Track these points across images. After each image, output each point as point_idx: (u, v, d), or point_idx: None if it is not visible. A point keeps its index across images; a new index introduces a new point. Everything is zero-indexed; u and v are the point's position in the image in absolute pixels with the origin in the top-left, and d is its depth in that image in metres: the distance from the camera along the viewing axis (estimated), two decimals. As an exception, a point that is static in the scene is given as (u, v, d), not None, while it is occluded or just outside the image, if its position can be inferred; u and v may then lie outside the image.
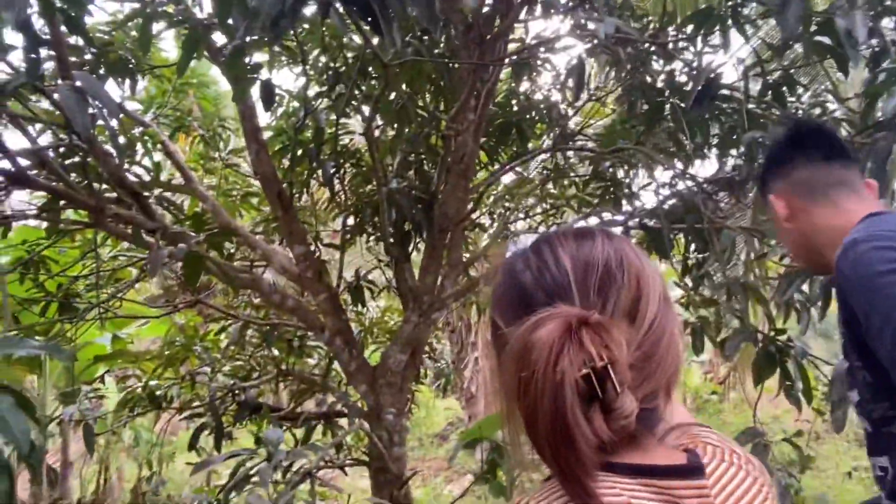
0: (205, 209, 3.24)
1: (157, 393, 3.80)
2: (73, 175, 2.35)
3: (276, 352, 3.86)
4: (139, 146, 3.34)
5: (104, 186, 2.52)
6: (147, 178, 3.01)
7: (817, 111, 3.10)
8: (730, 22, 2.78)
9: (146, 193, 2.61)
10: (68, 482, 5.95)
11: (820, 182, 1.41)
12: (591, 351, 0.60)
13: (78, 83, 1.33)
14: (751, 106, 2.92)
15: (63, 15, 1.77)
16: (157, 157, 3.62)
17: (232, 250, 3.74)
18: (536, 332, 0.60)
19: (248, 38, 2.25)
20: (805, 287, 2.39)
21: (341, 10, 1.15)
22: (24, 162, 2.08)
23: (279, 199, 3.27)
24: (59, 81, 1.42)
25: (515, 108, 4.06)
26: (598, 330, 0.61)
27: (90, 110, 1.30)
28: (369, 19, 1.09)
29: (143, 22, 1.91)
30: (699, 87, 2.33)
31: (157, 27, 2.50)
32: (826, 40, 1.99)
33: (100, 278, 3.30)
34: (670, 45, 3.11)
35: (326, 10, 1.10)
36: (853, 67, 1.94)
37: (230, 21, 2.17)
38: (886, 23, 2.03)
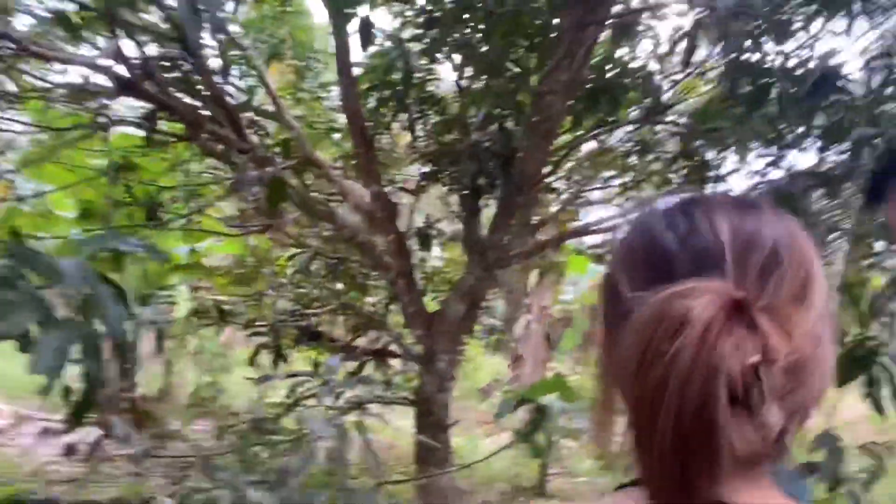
0: (291, 138, 3.32)
1: (225, 308, 3.99)
2: (174, 89, 2.44)
3: (339, 285, 3.97)
4: (236, 69, 3.42)
5: (201, 104, 2.61)
6: (242, 100, 3.09)
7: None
8: (859, 6, 2.59)
9: (240, 115, 2.69)
10: (136, 377, 6.37)
11: None
12: (769, 339, 0.49)
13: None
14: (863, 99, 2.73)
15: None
16: (251, 81, 3.70)
17: (310, 182, 3.82)
18: (686, 303, 0.50)
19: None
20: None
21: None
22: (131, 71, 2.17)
23: (362, 137, 3.31)
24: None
25: (610, 74, 3.93)
26: (774, 316, 0.51)
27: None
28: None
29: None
30: (817, 75, 2.19)
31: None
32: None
33: (186, 192, 3.45)
34: (787, 25, 2.92)
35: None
36: None
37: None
38: None
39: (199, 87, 2.44)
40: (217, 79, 2.35)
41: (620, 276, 0.60)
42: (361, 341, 4.46)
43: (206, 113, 2.64)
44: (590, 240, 5.20)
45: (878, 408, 2.20)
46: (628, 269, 0.60)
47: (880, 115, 2.67)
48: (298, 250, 3.84)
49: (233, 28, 3.93)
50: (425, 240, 3.76)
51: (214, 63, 2.10)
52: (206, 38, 1.62)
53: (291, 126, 3.21)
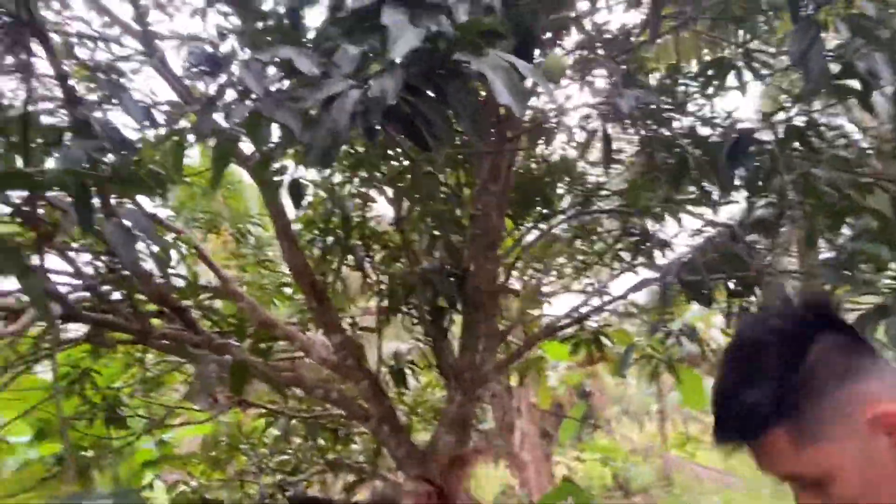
0: (241, 307, 3.27)
1: (207, 496, 3.75)
2: (117, 295, 2.40)
3: (321, 441, 3.81)
4: (173, 254, 3.41)
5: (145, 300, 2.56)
6: (183, 285, 3.05)
7: (842, 145, 3.08)
8: (743, 69, 2.81)
9: (186, 303, 2.64)
10: None
11: None
12: None
13: (125, 221, 1.37)
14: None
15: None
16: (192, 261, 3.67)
17: (270, 344, 3.74)
18: None
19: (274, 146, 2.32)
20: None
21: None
22: (70, 289, 2.12)
23: (313, 291, 3.29)
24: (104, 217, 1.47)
25: (536, 173, 4.09)
26: None
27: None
28: (411, 135, 1.12)
29: (176, 145, 1.98)
30: (731, 142, 2.33)
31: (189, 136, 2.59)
32: (848, 82, 1.98)
33: (146, 387, 3.32)
34: (682, 95, 3.13)
35: (372, 136, 1.12)
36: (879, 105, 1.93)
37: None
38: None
39: (140, 290, 2.41)
40: (161, 279, 2.32)
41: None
42: (359, 497, 4.24)
43: (154, 308, 2.60)
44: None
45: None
46: None
47: (790, 158, 2.83)
48: (272, 418, 3.69)
49: (163, 213, 3.97)
50: (399, 376, 3.67)
51: (159, 266, 2.08)
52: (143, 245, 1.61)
53: (240, 297, 3.18)
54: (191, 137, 2.46)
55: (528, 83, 1.30)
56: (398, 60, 1.04)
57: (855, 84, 2.19)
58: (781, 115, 2.66)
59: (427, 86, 1.10)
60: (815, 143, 2.65)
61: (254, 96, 1.32)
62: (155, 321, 2.52)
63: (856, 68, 1.88)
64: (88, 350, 3.30)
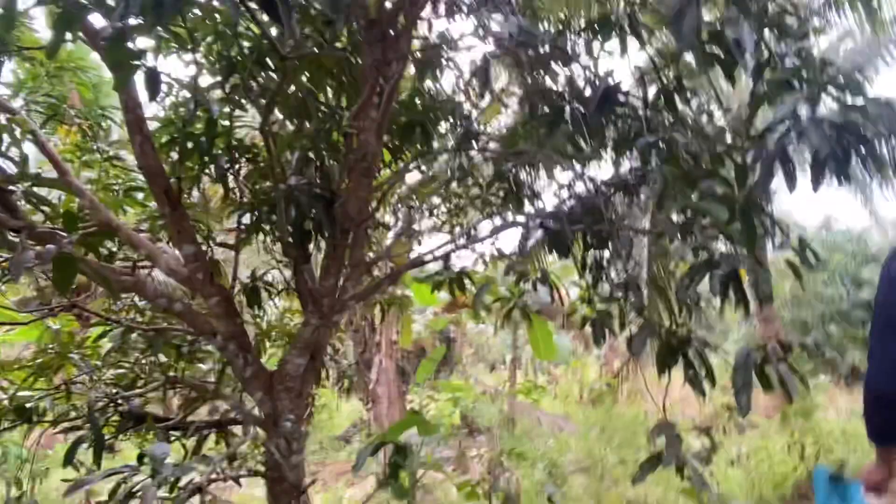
0: (82, 205, 2.98)
1: (27, 405, 3.46)
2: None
3: (163, 358, 3.61)
4: (5, 135, 3.01)
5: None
6: (13, 171, 2.71)
7: (704, 118, 3.27)
8: (627, 29, 2.87)
9: (11, 188, 2.35)
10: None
11: None
12: None
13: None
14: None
15: None
16: (28, 148, 3.28)
17: (114, 249, 3.46)
18: None
19: (130, 21, 2.07)
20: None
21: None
22: None
23: (166, 196, 3.05)
24: None
25: (420, 107, 4.01)
26: None
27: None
28: (267, 7, 1.00)
29: (5, 5, 1.71)
30: (599, 94, 2.37)
31: (24, 3, 2.26)
32: (716, 50, 2.07)
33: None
34: (569, 50, 3.17)
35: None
36: (739, 77, 2.04)
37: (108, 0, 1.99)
38: (769, 35, 2.15)
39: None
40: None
41: None
42: (201, 413, 4.09)
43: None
44: (430, 267, 5.27)
45: (699, 389, 2.40)
46: None
47: (658, 122, 2.96)
48: (109, 327, 3.44)
49: (-2, 91, 3.49)
50: (254, 296, 3.54)
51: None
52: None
53: (80, 192, 2.88)
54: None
55: None
56: None
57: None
58: (654, 80, 2.76)
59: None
60: (680, 110, 2.79)
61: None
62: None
63: (724, 36, 1.96)
64: None
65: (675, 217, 2.99)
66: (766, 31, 2.11)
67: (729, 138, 2.90)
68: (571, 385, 17.23)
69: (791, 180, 1.95)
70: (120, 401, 3.50)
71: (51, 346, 3.60)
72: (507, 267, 3.25)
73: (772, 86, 2.00)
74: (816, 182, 1.84)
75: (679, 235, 2.51)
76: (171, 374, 3.55)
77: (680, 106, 2.76)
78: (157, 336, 3.41)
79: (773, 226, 2.19)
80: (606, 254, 3.55)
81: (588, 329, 3.50)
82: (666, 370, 2.40)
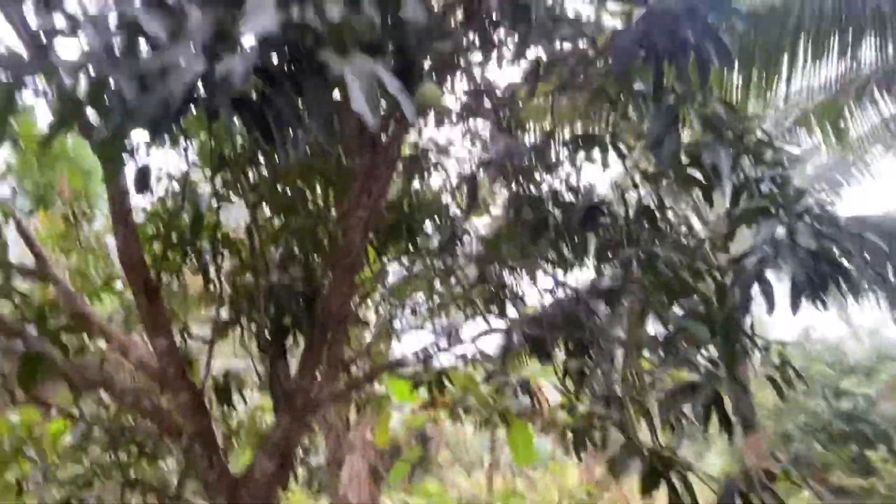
0: (56, 294, 2.92)
1: (-27, 505, 3.25)
2: None
3: (123, 456, 3.44)
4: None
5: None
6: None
7: (683, 229, 3.35)
8: (609, 145, 2.98)
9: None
10: None
11: None
12: None
13: None
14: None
15: None
16: (9, 233, 3.27)
17: (86, 340, 3.37)
18: None
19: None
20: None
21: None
22: None
23: (145, 288, 3.01)
24: None
25: (406, 208, 4.08)
26: None
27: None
28: (262, 129, 1.03)
29: (6, 93, 1.73)
30: (583, 209, 2.43)
31: (24, 96, 2.30)
32: (694, 173, 2.14)
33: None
34: (552, 159, 3.28)
35: (215, 116, 1.02)
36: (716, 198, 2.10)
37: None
38: (746, 160, 2.24)
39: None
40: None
41: None
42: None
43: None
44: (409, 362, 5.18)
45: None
46: None
47: (638, 234, 3.02)
48: (70, 423, 3.29)
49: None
50: (224, 394, 3.43)
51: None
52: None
53: (55, 280, 2.84)
54: (27, 93, 2.20)
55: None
56: (252, 39, 0.96)
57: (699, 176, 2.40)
58: (634, 193, 2.84)
59: (283, 78, 1.03)
60: (661, 225, 2.85)
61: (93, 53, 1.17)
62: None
63: (701, 160, 2.04)
64: None
65: (653, 329, 3.00)
66: (744, 156, 2.20)
67: (708, 251, 2.96)
68: (550, 490, 16.62)
69: (770, 302, 1.97)
70: (74, 502, 3.30)
71: (5, 438, 3.43)
72: (487, 375, 3.19)
73: (749, 211, 2.06)
74: (795, 307, 1.86)
75: (660, 350, 2.50)
76: (132, 474, 3.37)
77: (659, 219, 2.83)
78: (120, 432, 3.26)
79: (754, 346, 2.19)
80: (588, 361, 3.52)
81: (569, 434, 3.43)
82: (647, 492, 2.32)
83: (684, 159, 2.23)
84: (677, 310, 3.01)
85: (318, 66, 1.02)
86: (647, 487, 2.32)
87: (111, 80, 1.06)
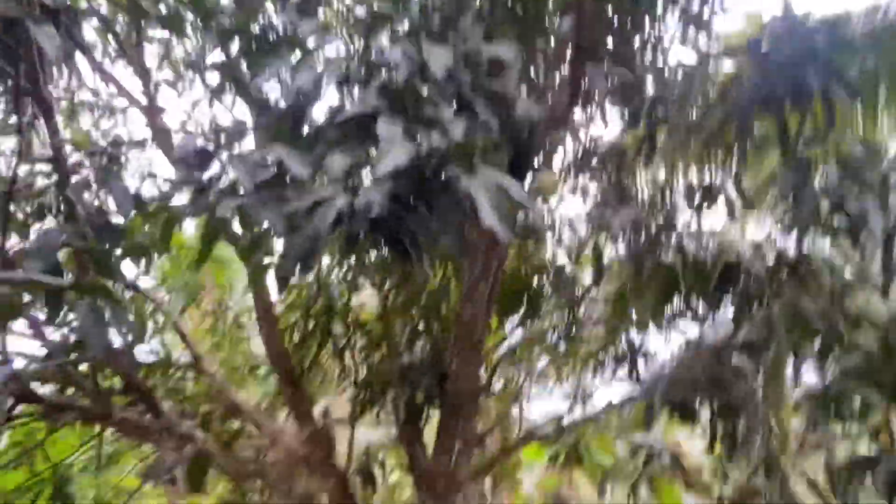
0: (212, 387, 3.15)
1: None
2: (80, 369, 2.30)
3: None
4: (150, 323, 3.32)
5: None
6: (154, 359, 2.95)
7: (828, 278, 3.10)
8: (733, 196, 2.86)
9: (152, 383, 2.54)
10: None
11: None
12: None
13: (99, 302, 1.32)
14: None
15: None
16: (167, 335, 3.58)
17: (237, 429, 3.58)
18: None
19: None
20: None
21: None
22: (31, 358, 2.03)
23: (288, 377, 3.19)
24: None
25: (524, 275, 4.07)
26: None
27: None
28: (399, 249, 1.10)
29: (166, 220, 1.95)
30: (717, 272, 2.34)
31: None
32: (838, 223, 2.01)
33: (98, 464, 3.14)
34: (671, 209, 3.18)
35: (355, 242, 1.10)
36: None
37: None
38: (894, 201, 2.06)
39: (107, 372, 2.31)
40: (128, 363, 2.23)
41: None
42: None
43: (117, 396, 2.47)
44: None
45: None
46: None
47: (779, 286, 2.83)
48: (229, 509, 3.48)
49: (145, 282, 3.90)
50: (368, 478, 3.50)
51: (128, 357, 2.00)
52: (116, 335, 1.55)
53: (211, 376, 3.07)
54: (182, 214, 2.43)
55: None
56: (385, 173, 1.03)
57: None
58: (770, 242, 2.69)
59: (415, 198, 1.09)
60: (804, 274, 2.66)
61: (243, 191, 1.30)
62: (117, 399, 2.40)
63: (846, 208, 1.91)
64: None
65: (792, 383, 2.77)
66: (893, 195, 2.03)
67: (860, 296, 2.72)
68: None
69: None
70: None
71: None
72: (632, 448, 3.05)
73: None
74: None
75: (820, 413, 2.29)
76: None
77: (802, 269, 2.65)
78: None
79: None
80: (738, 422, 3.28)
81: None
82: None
83: (825, 206, 2.09)
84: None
85: (446, 184, 1.08)
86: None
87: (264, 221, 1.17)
